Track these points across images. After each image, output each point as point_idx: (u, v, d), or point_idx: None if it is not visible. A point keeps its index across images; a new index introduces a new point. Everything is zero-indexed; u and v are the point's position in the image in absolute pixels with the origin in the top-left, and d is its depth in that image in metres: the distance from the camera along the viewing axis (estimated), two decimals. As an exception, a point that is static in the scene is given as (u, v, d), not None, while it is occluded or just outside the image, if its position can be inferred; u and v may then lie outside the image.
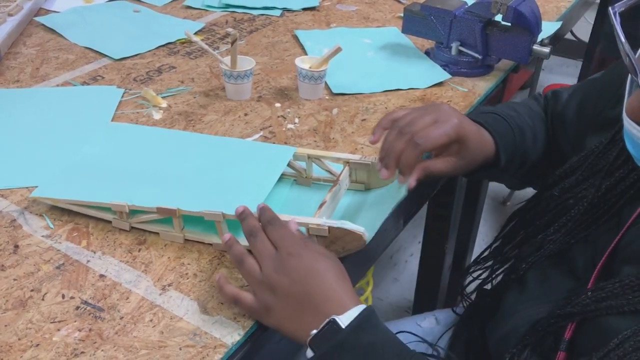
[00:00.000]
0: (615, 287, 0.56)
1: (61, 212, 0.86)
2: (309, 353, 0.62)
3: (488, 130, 0.82)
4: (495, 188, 2.52)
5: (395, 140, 0.76)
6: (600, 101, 0.80)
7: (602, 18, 2.90)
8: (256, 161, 0.90)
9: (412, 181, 0.75)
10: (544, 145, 0.91)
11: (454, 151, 0.78)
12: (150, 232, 0.83)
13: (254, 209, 0.74)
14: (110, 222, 0.84)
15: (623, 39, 0.49)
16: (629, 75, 0.54)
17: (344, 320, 0.62)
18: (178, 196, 0.82)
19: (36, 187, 0.89)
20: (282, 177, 0.93)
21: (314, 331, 0.62)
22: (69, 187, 0.85)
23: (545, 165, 0.92)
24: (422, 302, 1.73)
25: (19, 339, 0.66)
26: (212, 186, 0.85)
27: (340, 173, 0.87)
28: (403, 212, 0.96)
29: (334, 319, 0.62)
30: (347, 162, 0.88)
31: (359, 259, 0.79)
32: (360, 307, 0.63)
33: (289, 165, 0.90)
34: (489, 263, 0.87)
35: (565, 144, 0.88)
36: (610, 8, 0.51)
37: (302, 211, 0.87)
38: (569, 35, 3.49)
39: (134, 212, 0.81)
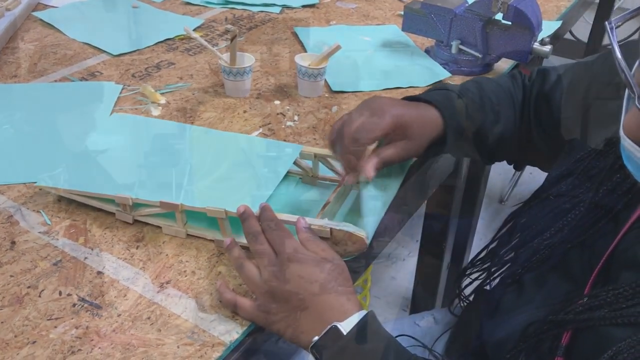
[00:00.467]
0: (609, 296, 0.56)
1: (58, 208, 0.85)
2: (311, 359, 0.62)
3: (437, 108, 0.82)
4: (494, 187, 2.52)
5: (339, 145, 0.79)
6: (592, 88, 0.79)
7: (601, 18, 2.90)
8: (262, 158, 0.90)
9: (369, 171, 0.77)
10: (512, 122, 0.90)
11: (400, 137, 0.79)
12: (148, 229, 0.82)
13: (257, 207, 0.74)
14: (108, 218, 0.83)
15: (619, 55, 0.48)
16: (626, 90, 0.54)
17: (345, 326, 0.62)
18: (182, 190, 0.82)
19: (34, 182, 0.88)
20: (288, 175, 0.93)
21: (316, 337, 0.62)
22: (74, 178, 0.85)
23: (520, 142, 0.91)
24: (420, 301, 1.73)
25: (15, 336, 0.65)
26: (216, 182, 0.85)
27: (345, 173, 0.86)
28: (401, 211, 0.96)
29: (335, 325, 0.62)
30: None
31: (357, 257, 0.79)
32: (362, 313, 0.63)
33: (295, 163, 0.90)
34: (486, 265, 0.86)
35: (549, 124, 0.88)
36: (607, 23, 0.50)
37: (307, 210, 0.86)
38: (567, 35, 3.49)
39: (137, 205, 0.81)
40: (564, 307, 0.61)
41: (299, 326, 0.65)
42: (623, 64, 0.48)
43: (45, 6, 1.56)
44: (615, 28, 0.49)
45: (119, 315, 0.69)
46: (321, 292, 0.64)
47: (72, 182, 0.84)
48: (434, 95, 0.85)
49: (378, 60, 1.34)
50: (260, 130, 1.06)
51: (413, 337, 0.93)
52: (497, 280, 0.84)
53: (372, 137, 0.76)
